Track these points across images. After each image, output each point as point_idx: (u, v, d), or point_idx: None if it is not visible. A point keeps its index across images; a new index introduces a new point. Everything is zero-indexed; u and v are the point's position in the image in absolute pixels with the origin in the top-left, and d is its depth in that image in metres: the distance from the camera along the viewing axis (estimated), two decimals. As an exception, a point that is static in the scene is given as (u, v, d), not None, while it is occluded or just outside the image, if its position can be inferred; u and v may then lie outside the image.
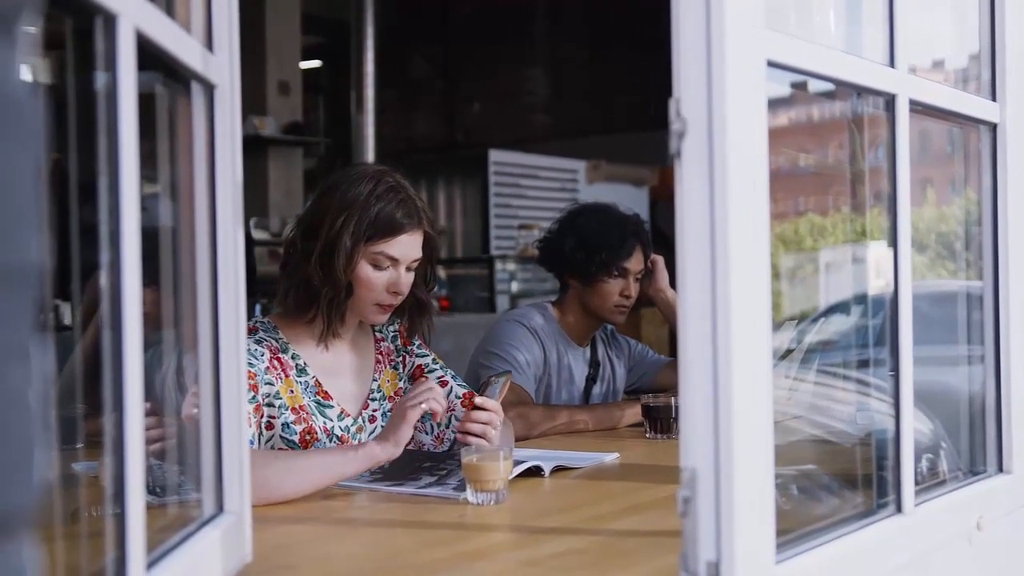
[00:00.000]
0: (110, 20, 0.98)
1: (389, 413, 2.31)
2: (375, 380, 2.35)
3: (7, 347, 0.50)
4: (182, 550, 1.18)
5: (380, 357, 2.38)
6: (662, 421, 2.62)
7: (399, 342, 2.41)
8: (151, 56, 1.10)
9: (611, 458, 2.33)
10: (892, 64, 1.48)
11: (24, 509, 0.52)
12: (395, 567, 1.52)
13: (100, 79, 0.99)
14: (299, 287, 2.20)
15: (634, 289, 2.99)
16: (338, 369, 2.29)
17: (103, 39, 0.98)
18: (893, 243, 1.49)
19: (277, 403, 2.14)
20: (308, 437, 2.17)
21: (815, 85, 1.49)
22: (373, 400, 2.33)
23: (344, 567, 1.56)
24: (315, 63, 10.13)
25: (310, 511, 1.83)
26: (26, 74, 0.54)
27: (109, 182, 0.98)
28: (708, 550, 1.14)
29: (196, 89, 1.32)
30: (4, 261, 0.50)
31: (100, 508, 1.44)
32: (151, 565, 1.07)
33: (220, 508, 1.35)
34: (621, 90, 9.08)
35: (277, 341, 2.22)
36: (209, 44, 1.33)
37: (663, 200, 7.95)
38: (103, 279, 0.99)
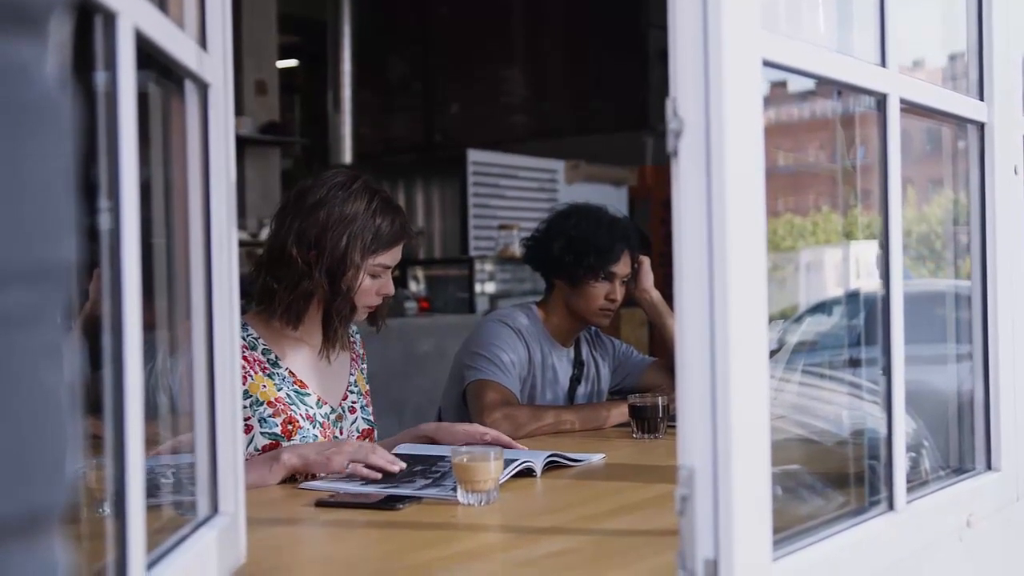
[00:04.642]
0: (110, 18, 0.97)
1: (366, 407, 2.41)
2: (351, 375, 2.41)
3: (41, 346, 0.50)
4: (179, 551, 1.18)
5: (354, 355, 2.45)
6: (649, 421, 2.63)
7: (361, 351, 2.50)
8: (145, 54, 1.09)
9: (598, 459, 2.33)
10: (883, 63, 1.49)
11: (58, 507, 0.52)
12: (390, 568, 1.52)
13: (99, 77, 0.98)
14: (301, 299, 2.22)
15: (620, 292, 2.98)
16: (314, 363, 2.33)
17: (102, 37, 0.97)
18: (884, 243, 1.50)
19: (248, 400, 2.15)
20: (290, 427, 2.20)
21: (794, 84, 1.48)
22: (352, 392, 2.39)
23: (337, 568, 1.56)
24: (292, 62, 10.09)
25: (303, 513, 1.83)
26: (57, 72, 0.53)
27: (109, 181, 0.97)
28: (706, 548, 1.14)
29: (190, 88, 1.31)
30: (40, 259, 0.49)
31: (89, 509, 1.44)
32: (150, 566, 1.06)
33: (215, 509, 1.35)
34: (600, 90, 9.11)
35: (245, 338, 2.22)
36: (203, 43, 1.33)
37: (642, 200, 7.97)
38: (103, 279, 0.98)
